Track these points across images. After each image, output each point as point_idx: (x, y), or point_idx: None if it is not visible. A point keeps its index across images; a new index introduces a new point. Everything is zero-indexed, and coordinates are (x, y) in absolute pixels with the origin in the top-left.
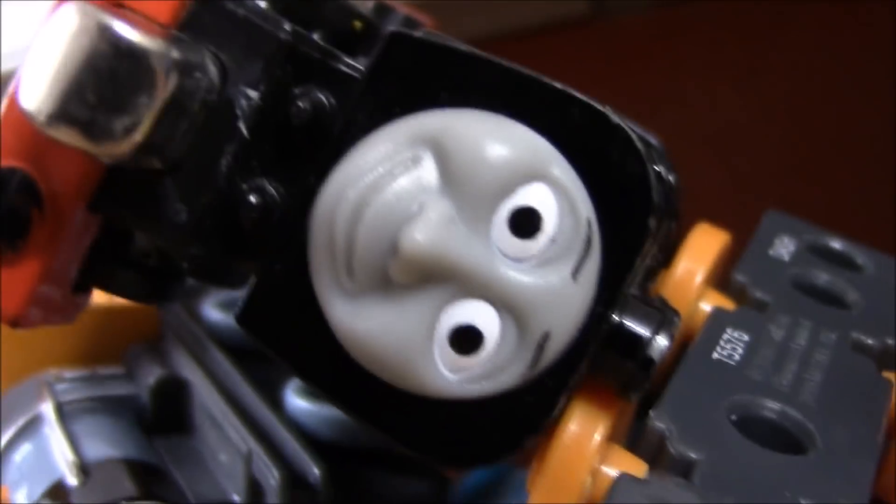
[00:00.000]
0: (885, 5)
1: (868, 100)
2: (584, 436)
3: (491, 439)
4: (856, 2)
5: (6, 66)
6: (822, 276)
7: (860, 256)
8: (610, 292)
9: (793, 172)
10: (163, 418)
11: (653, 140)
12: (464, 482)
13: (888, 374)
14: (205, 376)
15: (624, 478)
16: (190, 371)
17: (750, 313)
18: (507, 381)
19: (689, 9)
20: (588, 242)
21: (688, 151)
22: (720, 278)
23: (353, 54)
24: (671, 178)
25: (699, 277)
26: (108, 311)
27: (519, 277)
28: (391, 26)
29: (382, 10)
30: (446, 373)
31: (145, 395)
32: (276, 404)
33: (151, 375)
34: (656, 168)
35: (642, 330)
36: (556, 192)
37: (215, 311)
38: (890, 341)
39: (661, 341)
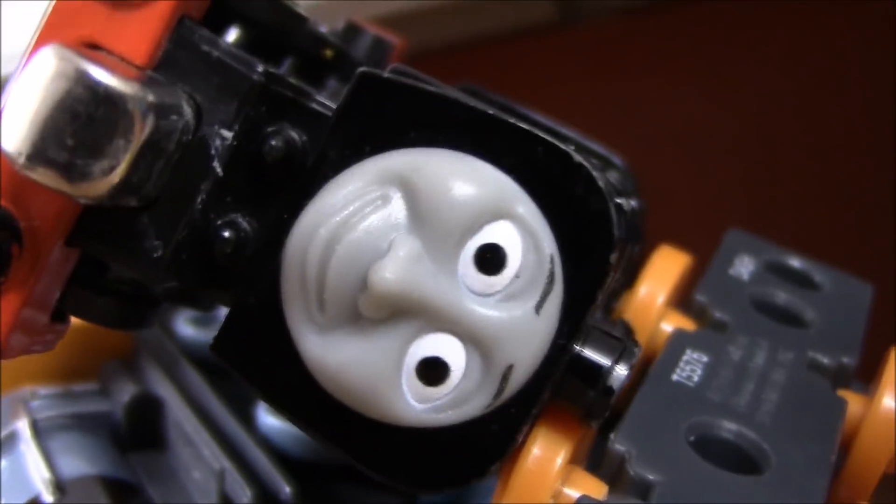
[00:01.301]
0: (858, 12)
1: (838, 104)
2: (547, 459)
3: (456, 465)
4: (826, 8)
5: (6, 70)
6: (781, 296)
7: (818, 274)
8: (572, 325)
9: (761, 174)
10: (137, 435)
11: (616, 160)
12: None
13: (843, 392)
14: (178, 393)
15: (584, 500)
16: (164, 388)
17: (709, 334)
18: (472, 410)
19: (658, 15)
20: (551, 278)
21: (656, 153)
22: (682, 298)
23: (325, 81)
24: (633, 203)
25: (660, 299)
26: (84, 329)
27: (484, 312)
28: (360, 50)
29: (352, 31)
30: (414, 402)
31: (120, 412)
32: (249, 422)
33: (126, 393)
34: (618, 201)
35: (603, 360)
36: (520, 230)
37: (189, 327)
38: (845, 360)
39: (621, 371)
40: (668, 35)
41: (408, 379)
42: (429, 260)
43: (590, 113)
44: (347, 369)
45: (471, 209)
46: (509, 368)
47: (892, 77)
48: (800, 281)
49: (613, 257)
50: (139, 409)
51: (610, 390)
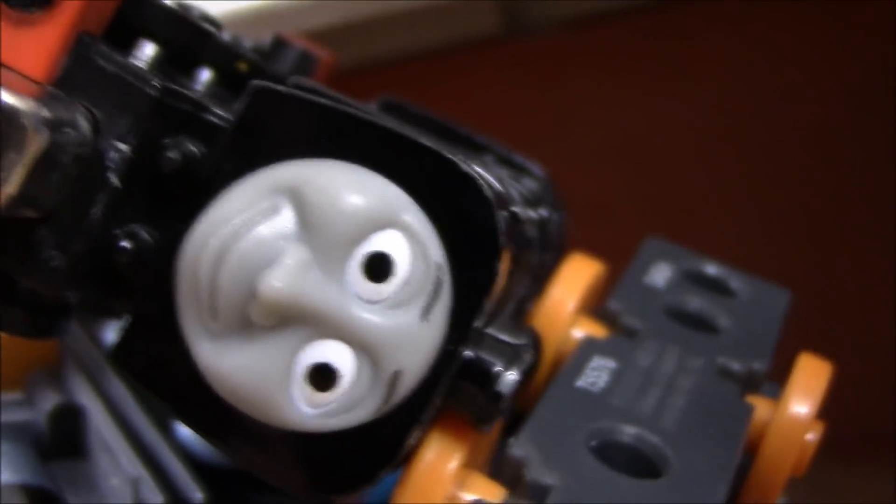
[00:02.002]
0: (782, 27)
1: (769, 117)
2: (440, 464)
3: (348, 470)
4: (762, 22)
5: None
6: (694, 302)
7: (734, 281)
8: (460, 331)
9: (701, 183)
10: (59, 444)
11: (535, 170)
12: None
13: (753, 398)
14: (100, 402)
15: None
16: (87, 397)
17: (619, 341)
18: (362, 415)
19: (602, 27)
20: (438, 285)
21: (596, 165)
22: (597, 305)
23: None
24: (544, 212)
25: (570, 306)
26: (10, 339)
27: (371, 319)
28: (285, 63)
29: (279, 45)
30: (305, 408)
31: (43, 421)
32: (167, 429)
33: (49, 402)
34: (514, 210)
35: (492, 366)
36: (408, 239)
37: (115, 335)
38: (756, 365)
39: (511, 376)
40: (612, 47)
41: (298, 384)
42: (317, 268)
43: (533, 123)
44: (239, 375)
45: (358, 219)
46: (397, 374)
47: (825, 88)
48: (716, 288)
49: (499, 265)
50: (61, 418)
51: (499, 396)
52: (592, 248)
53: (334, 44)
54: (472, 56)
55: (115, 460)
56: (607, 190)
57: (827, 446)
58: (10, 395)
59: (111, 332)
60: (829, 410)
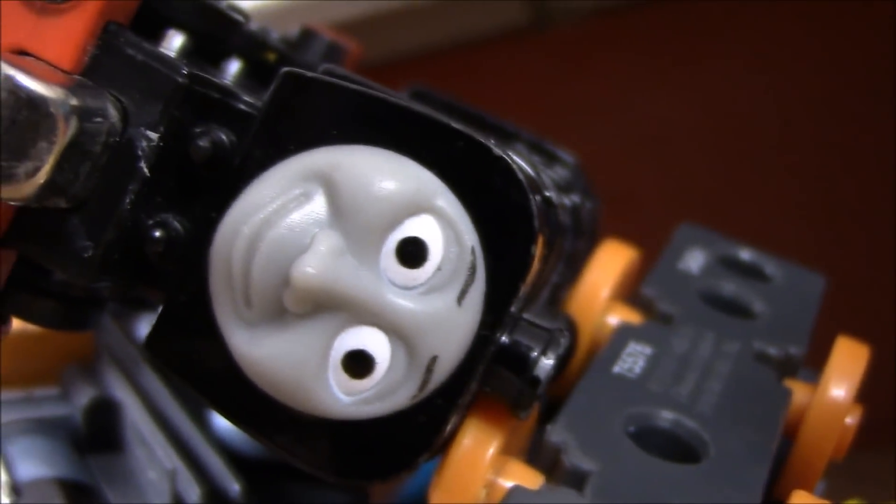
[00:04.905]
0: (819, 13)
1: (803, 105)
2: (478, 450)
3: (385, 457)
4: (796, 8)
5: None
6: (729, 288)
7: (769, 266)
8: (495, 316)
9: (730, 175)
10: (95, 438)
11: (567, 158)
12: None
13: (790, 382)
14: (136, 396)
15: (516, 490)
16: (122, 391)
17: (654, 326)
18: (398, 402)
19: (629, 18)
20: (472, 270)
21: (626, 156)
22: (631, 292)
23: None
24: (576, 198)
25: (604, 293)
26: (45, 334)
27: (406, 304)
28: (313, 54)
29: (307, 36)
30: (340, 395)
31: (79, 415)
32: (202, 422)
33: (84, 396)
34: (546, 194)
35: (529, 351)
36: (441, 223)
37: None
38: (793, 350)
39: (547, 361)
40: (640, 36)
41: (334, 372)
42: (350, 255)
43: (561, 115)
44: (274, 363)
45: (391, 204)
46: (433, 360)
47: (855, 74)
48: (751, 273)
49: (534, 249)
50: (97, 412)
51: (536, 381)
52: (622, 237)
53: (361, 37)
54: (499, 48)
55: (151, 453)
56: (636, 180)
57: (862, 431)
58: (45, 390)
59: (145, 327)
60: (864, 396)
